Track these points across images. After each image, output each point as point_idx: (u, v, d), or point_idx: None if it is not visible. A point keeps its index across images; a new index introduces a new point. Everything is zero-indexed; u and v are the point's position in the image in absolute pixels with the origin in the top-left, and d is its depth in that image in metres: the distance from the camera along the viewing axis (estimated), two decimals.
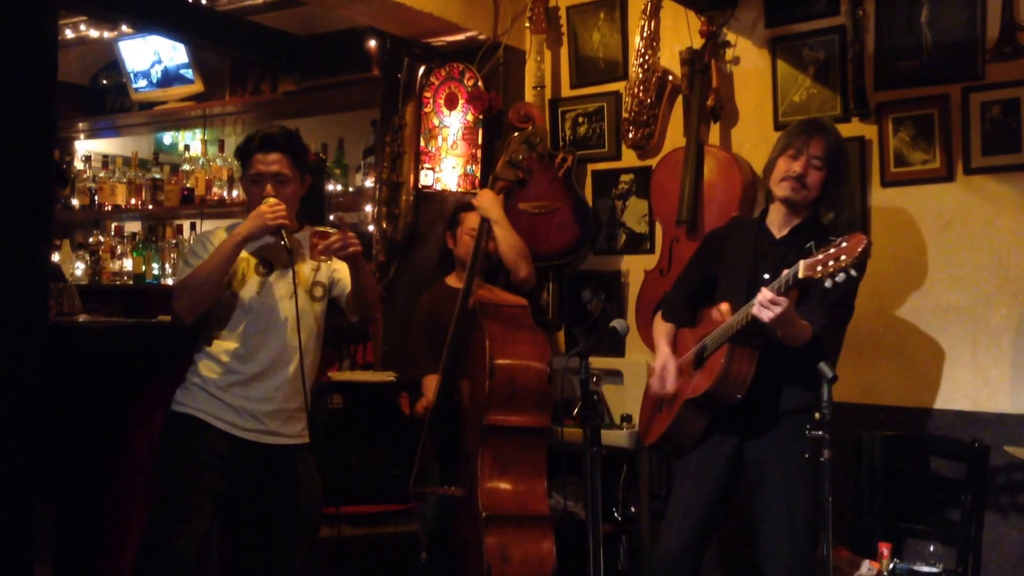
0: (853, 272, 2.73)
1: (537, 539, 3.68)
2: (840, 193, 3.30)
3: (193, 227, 6.18)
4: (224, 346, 3.24)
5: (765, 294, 2.91)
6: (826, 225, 3.34)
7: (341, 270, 3.39)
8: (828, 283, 2.75)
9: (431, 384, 4.02)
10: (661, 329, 3.49)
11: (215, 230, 3.38)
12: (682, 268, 3.68)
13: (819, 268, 2.76)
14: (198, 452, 3.18)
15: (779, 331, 3.00)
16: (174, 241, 6.13)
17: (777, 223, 3.31)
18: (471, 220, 4.09)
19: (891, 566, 3.57)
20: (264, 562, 3.28)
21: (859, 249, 2.69)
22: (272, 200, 3.23)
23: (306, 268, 3.35)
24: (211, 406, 3.21)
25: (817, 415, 2.90)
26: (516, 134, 4.24)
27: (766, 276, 3.20)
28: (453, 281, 4.19)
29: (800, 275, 2.82)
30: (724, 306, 3.18)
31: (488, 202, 4.00)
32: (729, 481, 3.34)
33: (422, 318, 4.21)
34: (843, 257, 2.71)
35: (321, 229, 3.29)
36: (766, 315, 2.90)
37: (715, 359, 3.17)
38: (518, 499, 3.71)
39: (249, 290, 3.26)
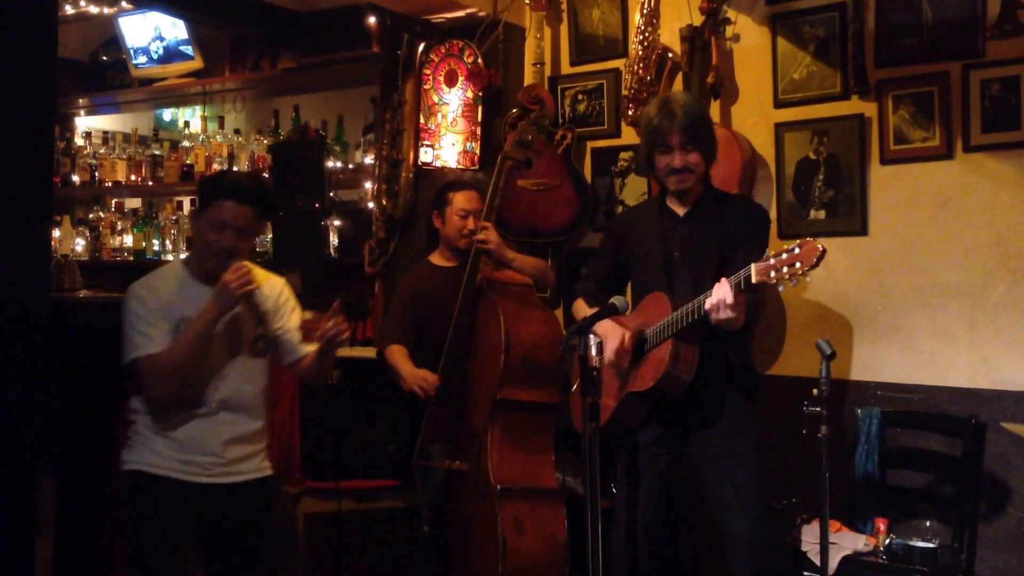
0: (807, 279, 2.75)
1: (549, 511, 3.72)
2: (714, 140, 3.31)
3: (193, 203, 6.17)
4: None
5: (727, 294, 2.89)
6: (719, 190, 3.39)
7: (295, 333, 3.21)
8: (781, 288, 2.78)
9: (398, 355, 3.99)
10: (587, 311, 3.45)
11: (141, 286, 3.07)
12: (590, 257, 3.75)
13: (772, 274, 2.78)
14: (170, 512, 3.01)
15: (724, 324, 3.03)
16: (174, 217, 6.14)
17: (676, 202, 3.36)
18: (459, 200, 4.05)
19: (887, 541, 3.61)
20: None
21: (815, 258, 2.71)
22: (233, 266, 3.00)
23: (249, 319, 3.16)
24: (163, 456, 3.02)
25: (815, 391, 2.93)
26: (515, 113, 4.23)
27: (676, 255, 3.28)
28: (437, 259, 4.17)
29: (753, 280, 2.83)
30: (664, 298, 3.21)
31: (503, 247, 3.95)
32: (672, 473, 3.42)
33: (405, 296, 4.15)
34: (798, 264, 2.73)
35: (309, 317, 3.13)
36: (724, 315, 2.92)
37: (658, 353, 3.19)
38: (528, 473, 3.74)
39: None
